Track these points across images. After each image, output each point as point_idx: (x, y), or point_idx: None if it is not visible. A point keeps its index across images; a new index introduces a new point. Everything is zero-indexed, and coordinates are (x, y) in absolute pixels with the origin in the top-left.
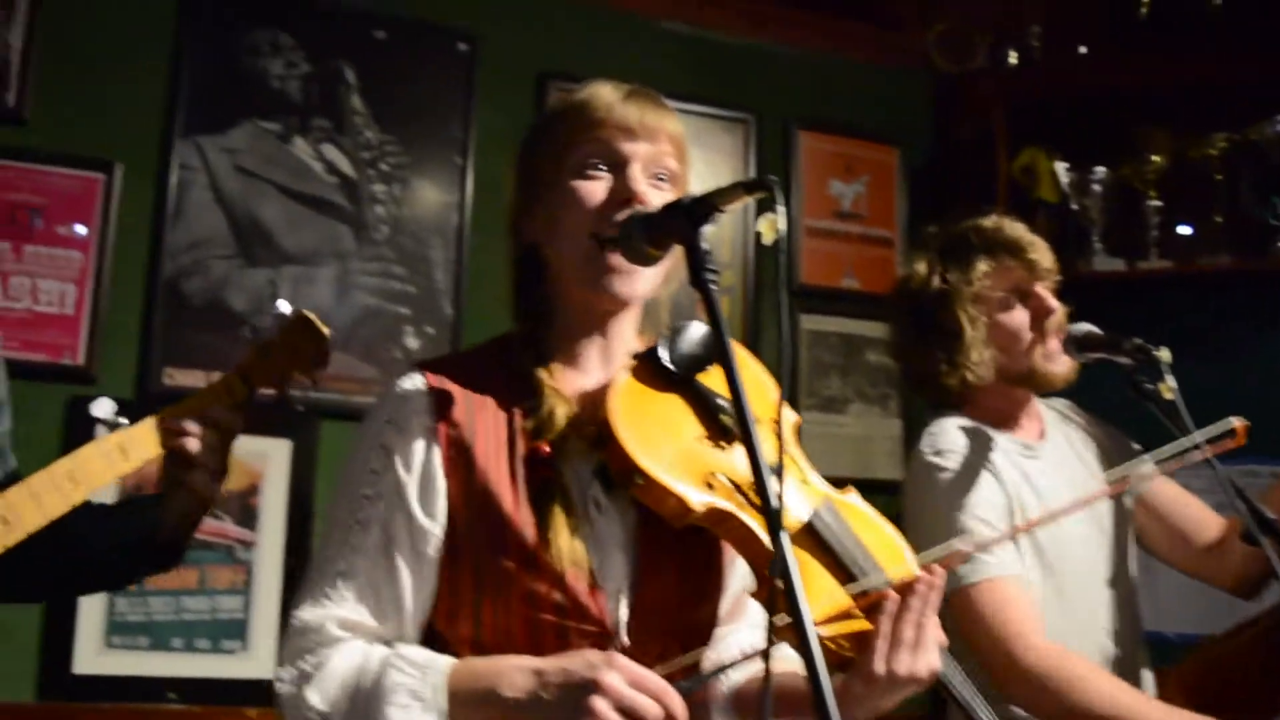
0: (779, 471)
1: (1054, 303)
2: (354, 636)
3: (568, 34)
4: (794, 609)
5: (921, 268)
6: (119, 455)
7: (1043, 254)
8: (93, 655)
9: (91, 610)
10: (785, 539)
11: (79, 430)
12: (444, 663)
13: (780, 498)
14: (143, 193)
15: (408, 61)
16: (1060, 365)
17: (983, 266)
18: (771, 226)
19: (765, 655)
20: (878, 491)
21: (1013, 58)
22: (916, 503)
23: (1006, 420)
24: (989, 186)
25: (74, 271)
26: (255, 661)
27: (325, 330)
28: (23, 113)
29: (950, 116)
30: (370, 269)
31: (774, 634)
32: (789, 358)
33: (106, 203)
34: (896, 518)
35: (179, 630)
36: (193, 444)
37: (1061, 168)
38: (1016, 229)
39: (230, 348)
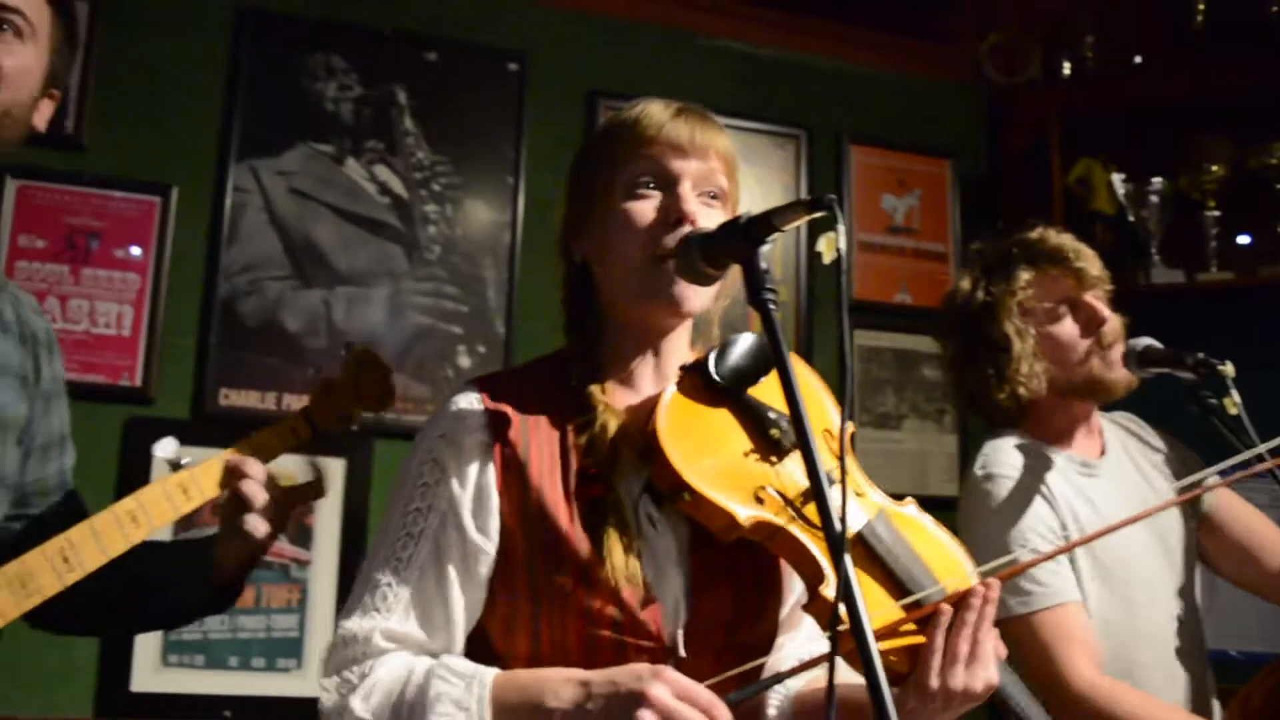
0: (816, 486)
1: (1105, 311)
2: (400, 648)
3: (617, 52)
4: (856, 625)
5: (966, 283)
6: (180, 495)
7: (1090, 262)
8: (150, 673)
9: None
10: (848, 558)
11: (136, 451)
12: (489, 673)
13: (844, 513)
14: (198, 215)
15: (459, 82)
16: (1119, 374)
17: (1025, 276)
18: (831, 245)
19: (830, 667)
20: (934, 508)
21: (1066, 69)
22: (969, 524)
23: (1064, 436)
24: (1044, 199)
25: (131, 294)
26: (310, 680)
27: (388, 366)
28: (81, 139)
29: (1003, 129)
30: (423, 289)
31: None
32: (851, 375)
33: (163, 226)
34: (954, 534)
35: (235, 649)
36: (252, 488)
37: (1118, 179)
38: (1061, 238)
39: (285, 368)
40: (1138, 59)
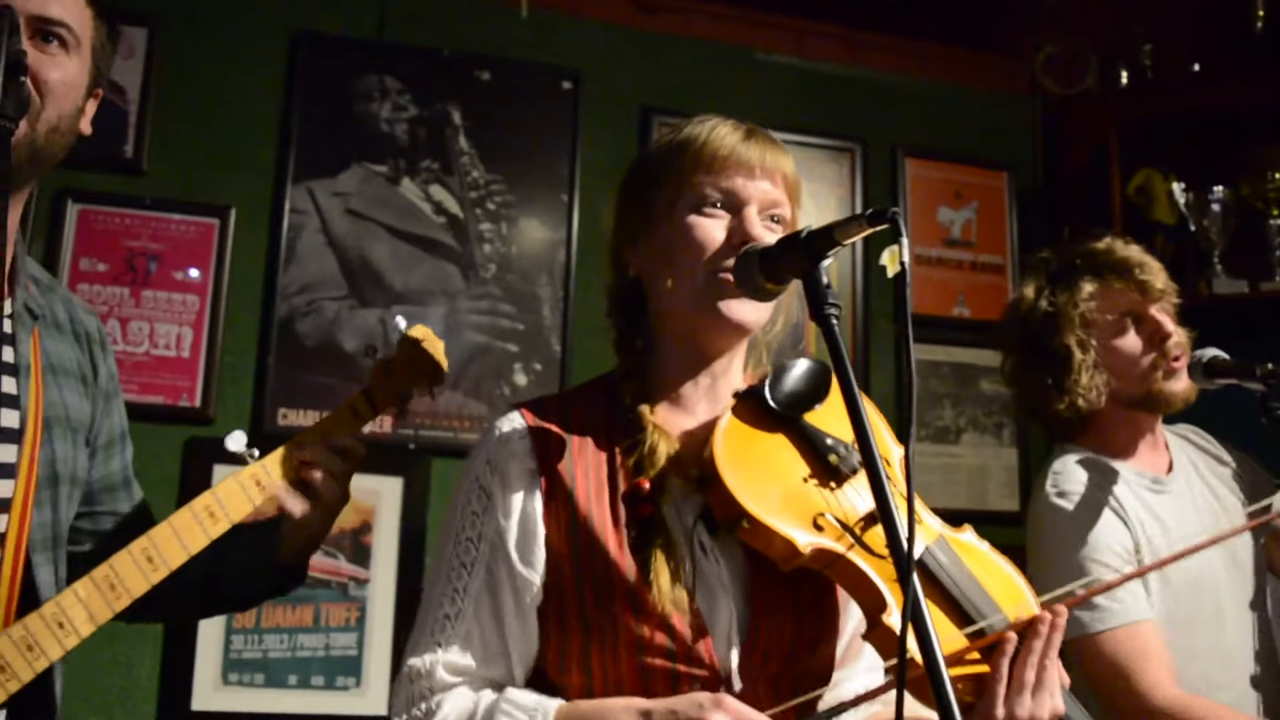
0: (885, 513)
1: (1170, 325)
2: (463, 680)
3: (670, 69)
4: (928, 653)
5: (1029, 292)
6: (254, 488)
7: (1155, 275)
8: (210, 692)
9: (209, 648)
10: (916, 584)
11: (197, 471)
12: (551, 705)
13: (910, 540)
14: (256, 237)
15: (513, 101)
16: (1179, 384)
17: (1089, 288)
18: (895, 258)
19: (898, 696)
20: (993, 524)
21: (1124, 78)
22: (1039, 543)
23: (1129, 449)
24: (1103, 210)
25: (190, 315)
26: (368, 698)
27: (440, 345)
28: (140, 163)
29: (1060, 139)
30: (479, 307)
31: (892, 674)
32: (912, 392)
33: (221, 247)
34: (1015, 550)
35: (294, 667)
36: (317, 474)
37: (1178, 188)
38: (1127, 250)
39: (343, 387)
40: (1196, 66)
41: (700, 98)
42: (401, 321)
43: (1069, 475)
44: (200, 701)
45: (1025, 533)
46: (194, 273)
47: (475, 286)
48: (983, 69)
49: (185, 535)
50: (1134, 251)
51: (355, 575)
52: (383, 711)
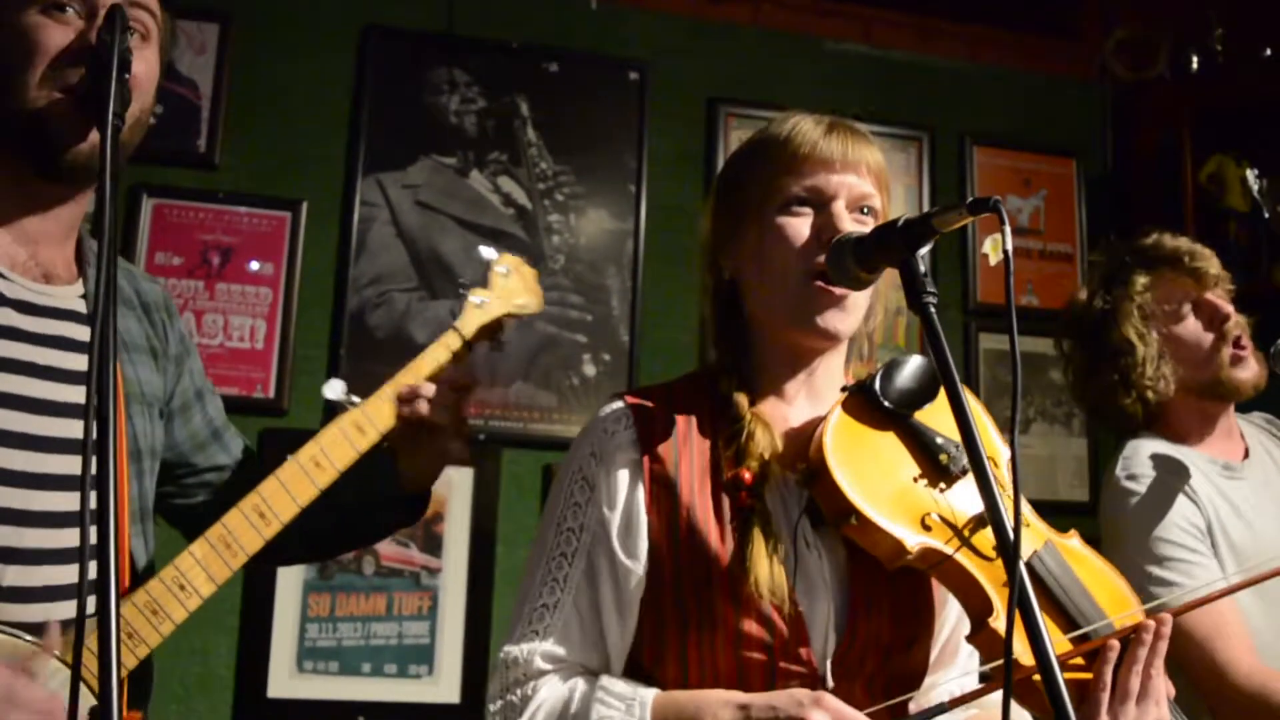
0: (995, 517)
1: (1228, 307)
2: (559, 669)
3: (736, 58)
4: (1042, 658)
5: (1083, 294)
6: (357, 433)
7: (1208, 261)
8: (285, 680)
9: (284, 636)
10: (1029, 588)
11: (272, 461)
12: (647, 694)
13: (1017, 543)
14: (327, 230)
15: (580, 92)
16: (1247, 371)
17: (1143, 280)
18: (998, 247)
19: (1005, 700)
20: (1064, 514)
21: (1194, 63)
22: (1112, 528)
23: (1199, 437)
24: (1174, 196)
25: (264, 308)
26: (441, 686)
27: (532, 273)
28: (213, 157)
29: (1131, 126)
30: (547, 298)
31: (996, 677)
32: (1016, 388)
33: (293, 240)
34: (1090, 542)
35: (367, 655)
36: (424, 407)
37: (1251, 175)
38: (1176, 241)
39: None
40: (1268, 51)
41: (767, 88)
42: (489, 252)
43: (1139, 459)
44: (276, 689)
45: (1100, 522)
46: (267, 265)
47: (544, 277)
48: (1051, 55)
49: (293, 487)
50: (1183, 242)
51: (427, 564)
52: (455, 700)
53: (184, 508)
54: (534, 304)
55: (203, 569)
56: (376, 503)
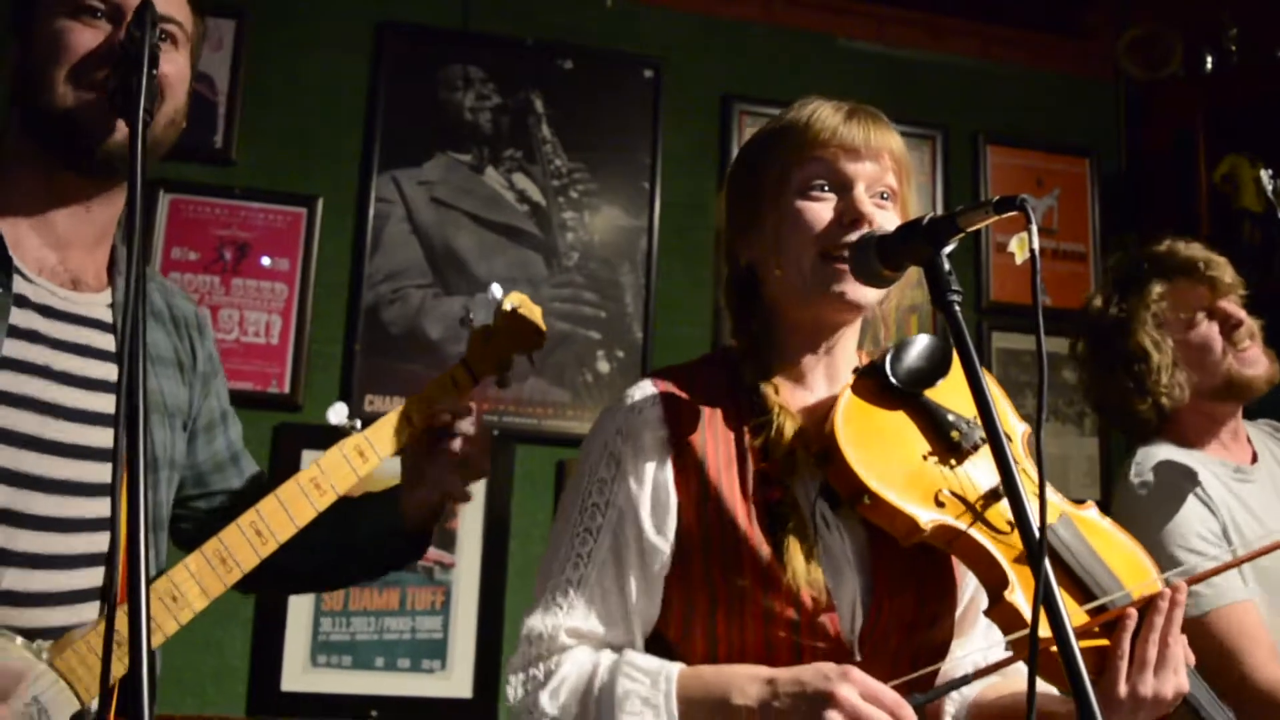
0: (1011, 490)
1: (1241, 314)
2: (582, 643)
3: (750, 56)
4: (1059, 630)
5: (1099, 300)
6: (358, 458)
7: (1222, 270)
8: (299, 673)
9: (298, 630)
10: (1047, 565)
11: (286, 456)
12: (673, 669)
13: (1043, 517)
14: (343, 226)
15: (594, 89)
16: (1257, 368)
17: (1158, 289)
18: (1024, 246)
19: (1030, 673)
20: None
21: (1209, 63)
22: (1125, 529)
23: (1210, 441)
24: (1188, 196)
25: (279, 303)
26: (454, 680)
27: (538, 310)
28: (229, 153)
29: (1144, 125)
30: (561, 294)
31: (1014, 649)
32: (1042, 376)
33: (309, 236)
34: None
35: (381, 650)
36: (458, 445)
37: (1265, 175)
38: (1191, 249)
39: (428, 374)
40: None
41: (781, 85)
42: (497, 290)
43: (1151, 463)
44: (289, 682)
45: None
46: (282, 261)
47: (558, 274)
48: (1064, 54)
49: (292, 507)
50: (1197, 249)
51: (440, 560)
52: (467, 694)
53: (187, 526)
54: (540, 340)
55: (196, 582)
56: (381, 536)
